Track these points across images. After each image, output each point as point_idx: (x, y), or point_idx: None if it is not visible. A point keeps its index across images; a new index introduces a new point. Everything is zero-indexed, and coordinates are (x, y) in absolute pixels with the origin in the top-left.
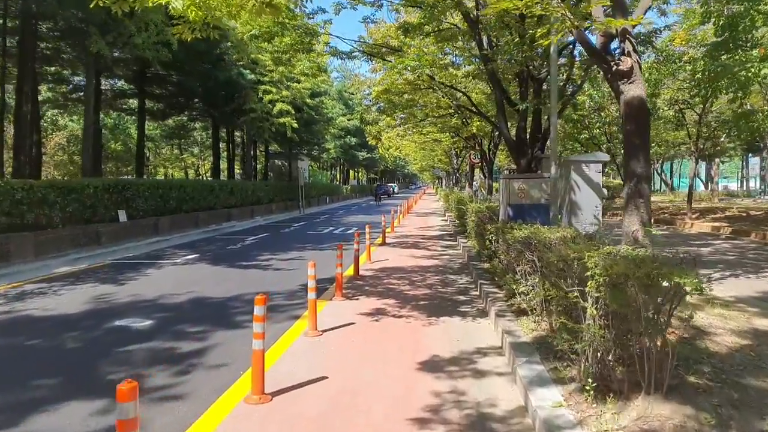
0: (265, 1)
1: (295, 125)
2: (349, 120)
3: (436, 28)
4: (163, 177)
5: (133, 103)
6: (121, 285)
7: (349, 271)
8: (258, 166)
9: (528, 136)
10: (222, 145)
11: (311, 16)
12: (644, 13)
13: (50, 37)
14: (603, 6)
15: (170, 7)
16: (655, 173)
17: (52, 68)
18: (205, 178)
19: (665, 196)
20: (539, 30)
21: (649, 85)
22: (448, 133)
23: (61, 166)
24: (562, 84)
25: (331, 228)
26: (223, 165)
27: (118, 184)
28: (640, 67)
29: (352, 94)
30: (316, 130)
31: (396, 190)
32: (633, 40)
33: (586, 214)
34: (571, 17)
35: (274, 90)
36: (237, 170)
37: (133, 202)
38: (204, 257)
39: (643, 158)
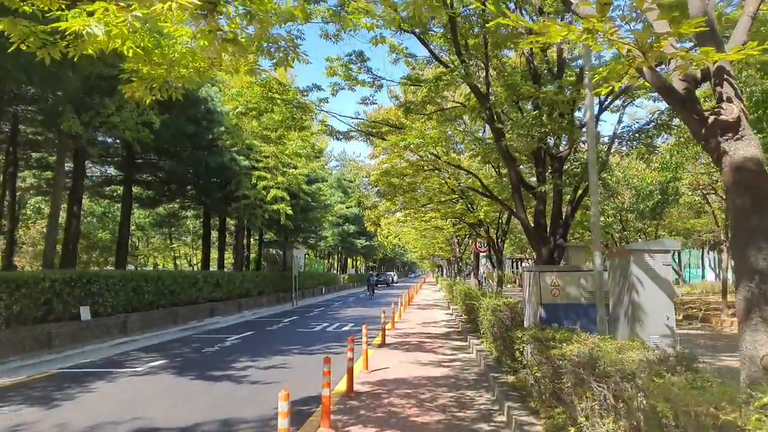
0: (227, 39)
1: (290, 212)
2: (347, 207)
3: (439, 107)
4: (152, 267)
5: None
6: (51, 408)
7: (342, 386)
8: (252, 255)
9: (550, 222)
10: (215, 233)
11: (305, 93)
12: (744, 44)
13: (30, 120)
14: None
15: (89, 34)
16: None
17: (37, 154)
18: (195, 269)
19: (679, 287)
20: (590, 74)
21: (669, 170)
22: (450, 220)
23: (41, 257)
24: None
25: (324, 324)
26: (216, 254)
27: (83, 277)
28: (747, 118)
29: (351, 181)
30: (313, 218)
31: (395, 279)
32: (734, 82)
33: (654, 322)
34: (642, 54)
35: (268, 176)
36: (230, 260)
37: (99, 297)
38: (172, 364)
39: (766, 245)
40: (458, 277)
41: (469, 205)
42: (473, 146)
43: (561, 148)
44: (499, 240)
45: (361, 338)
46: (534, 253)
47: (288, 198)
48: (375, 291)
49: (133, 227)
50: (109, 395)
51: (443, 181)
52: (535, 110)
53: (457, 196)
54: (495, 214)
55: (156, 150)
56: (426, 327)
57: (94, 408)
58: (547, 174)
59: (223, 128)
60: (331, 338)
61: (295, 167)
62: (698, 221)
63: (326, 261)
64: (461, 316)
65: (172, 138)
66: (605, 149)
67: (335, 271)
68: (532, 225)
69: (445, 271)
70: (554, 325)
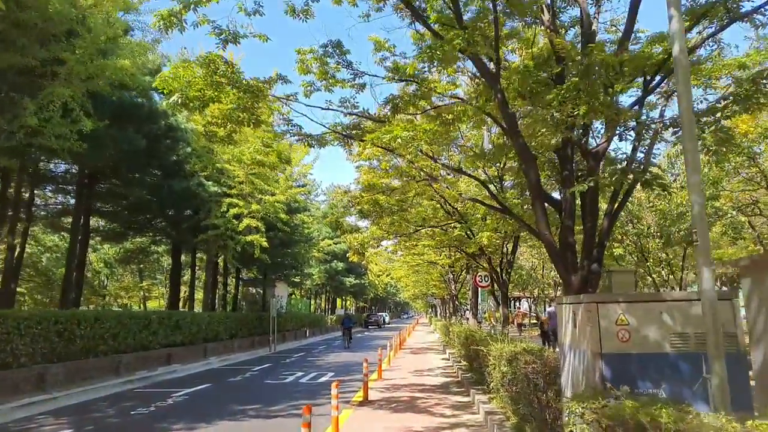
0: None
1: (265, 244)
2: (336, 243)
3: (434, 107)
4: (119, 308)
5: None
6: None
7: None
8: (232, 294)
9: (584, 241)
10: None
11: (267, 82)
12: None
13: None
14: None
15: None
16: None
17: None
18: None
19: None
20: None
21: (707, 185)
22: (445, 253)
23: None
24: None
25: (299, 374)
26: (200, 294)
27: None
28: None
29: (333, 206)
30: (296, 253)
31: (387, 320)
32: None
33: None
34: None
35: (241, 203)
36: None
37: (8, 344)
38: None
39: None
40: (454, 318)
41: (468, 232)
42: (472, 163)
43: (599, 143)
44: (504, 272)
45: (332, 398)
46: (535, 291)
47: (263, 228)
48: (352, 336)
49: (101, 264)
50: None
51: (439, 197)
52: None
53: (454, 219)
54: (499, 241)
55: (114, 173)
56: (419, 376)
57: None
58: (576, 176)
59: (189, 149)
60: (303, 393)
61: (272, 194)
62: (732, 249)
63: (313, 301)
64: (460, 362)
65: (126, 157)
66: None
67: (322, 312)
68: (558, 245)
69: (438, 311)
70: (624, 388)
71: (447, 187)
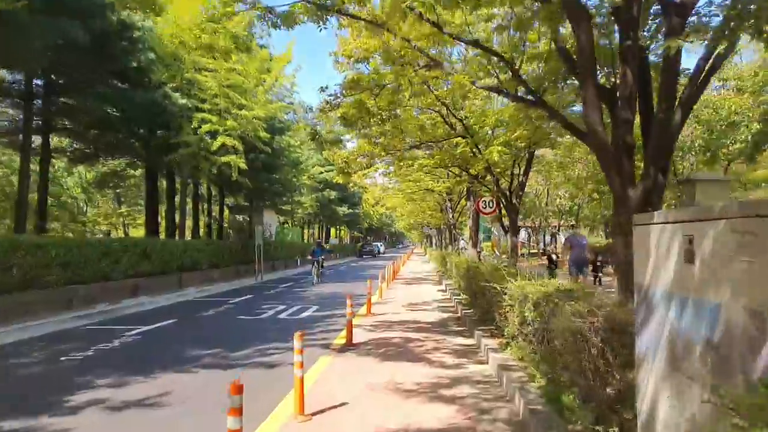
0: None
1: (243, 165)
2: (328, 171)
3: None
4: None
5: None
6: None
7: None
8: (217, 222)
9: (651, 141)
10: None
11: None
12: None
13: None
14: None
15: None
16: None
17: None
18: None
19: None
20: None
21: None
22: (443, 179)
23: None
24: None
25: (279, 308)
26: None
27: None
28: None
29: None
30: (283, 178)
31: (382, 249)
32: None
33: None
34: None
35: (215, 119)
36: (202, 228)
37: None
38: None
39: None
40: (450, 247)
41: (474, 149)
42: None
43: None
44: (514, 196)
45: (294, 353)
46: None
47: (241, 148)
48: (322, 268)
49: (78, 190)
50: None
51: (440, 105)
52: None
53: (457, 134)
54: (510, 159)
55: (69, 83)
56: (414, 311)
57: None
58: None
59: (153, 55)
60: (276, 333)
61: (251, 109)
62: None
63: (306, 230)
64: (459, 295)
65: (70, 58)
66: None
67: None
68: (612, 146)
69: (434, 241)
70: None
71: (451, 72)
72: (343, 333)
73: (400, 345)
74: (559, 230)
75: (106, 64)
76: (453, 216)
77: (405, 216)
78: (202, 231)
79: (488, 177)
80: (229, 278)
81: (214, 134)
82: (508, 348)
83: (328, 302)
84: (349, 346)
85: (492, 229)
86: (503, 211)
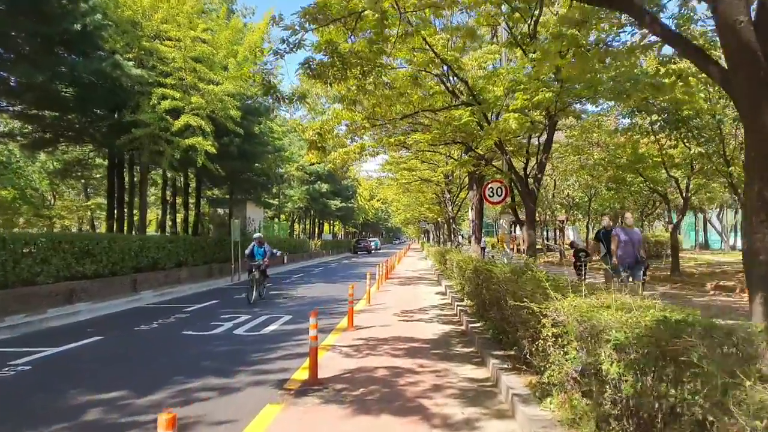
0: None
1: (211, 148)
2: (319, 162)
3: None
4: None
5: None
6: None
7: None
8: (201, 217)
9: None
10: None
11: None
12: None
13: None
14: None
15: None
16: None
17: None
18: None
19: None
20: None
21: None
22: (442, 166)
23: None
24: None
25: (242, 318)
26: (161, 214)
27: None
28: None
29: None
30: (265, 168)
31: (378, 246)
32: None
33: None
34: None
35: (177, 95)
36: (186, 222)
37: None
38: None
39: None
40: (449, 243)
41: (482, 119)
42: None
43: None
44: (532, 179)
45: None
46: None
47: (209, 129)
48: (267, 275)
49: (45, 182)
50: None
51: (439, 62)
52: None
53: (460, 102)
54: (526, 131)
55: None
56: (408, 321)
57: None
58: None
59: (100, 16)
60: (220, 360)
61: (218, 83)
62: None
63: (297, 225)
64: (462, 300)
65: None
66: None
67: (307, 237)
68: None
69: (431, 236)
70: None
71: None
72: (305, 367)
73: (385, 381)
74: (565, 224)
75: (42, 26)
76: (452, 209)
77: (401, 210)
78: (179, 226)
79: (496, 159)
80: (200, 279)
81: (176, 113)
82: (549, 400)
83: (306, 310)
84: (312, 384)
85: (501, 223)
86: (516, 199)
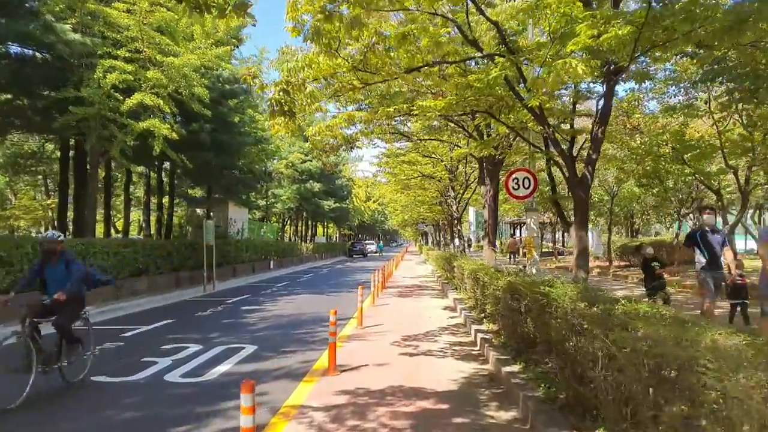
0: None
1: (168, 132)
2: (310, 160)
3: None
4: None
5: None
6: None
7: None
8: (167, 216)
9: None
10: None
11: None
12: None
13: None
14: None
15: None
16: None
17: None
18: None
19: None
20: None
21: None
22: (448, 155)
23: None
24: None
25: (189, 350)
26: (144, 215)
27: None
28: None
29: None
30: (246, 163)
31: (382, 248)
32: None
33: None
34: None
35: (129, 67)
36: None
37: None
38: None
39: None
40: (452, 246)
41: (516, 73)
42: None
43: None
44: (585, 161)
45: None
46: None
47: (170, 111)
48: (70, 332)
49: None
50: None
51: None
52: None
53: (484, 55)
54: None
55: None
56: (412, 355)
57: None
58: None
59: None
60: None
61: (176, 55)
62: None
63: (289, 226)
64: (481, 322)
65: None
66: None
67: (299, 239)
68: None
69: (430, 239)
70: None
71: None
72: None
73: None
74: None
75: None
76: (457, 208)
77: (399, 211)
78: (153, 228)
79: (515, 146)
80: (164, 290)
81: (129, 91)
82: None
83: (278, 336)
84: None
85: (530, 223)
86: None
